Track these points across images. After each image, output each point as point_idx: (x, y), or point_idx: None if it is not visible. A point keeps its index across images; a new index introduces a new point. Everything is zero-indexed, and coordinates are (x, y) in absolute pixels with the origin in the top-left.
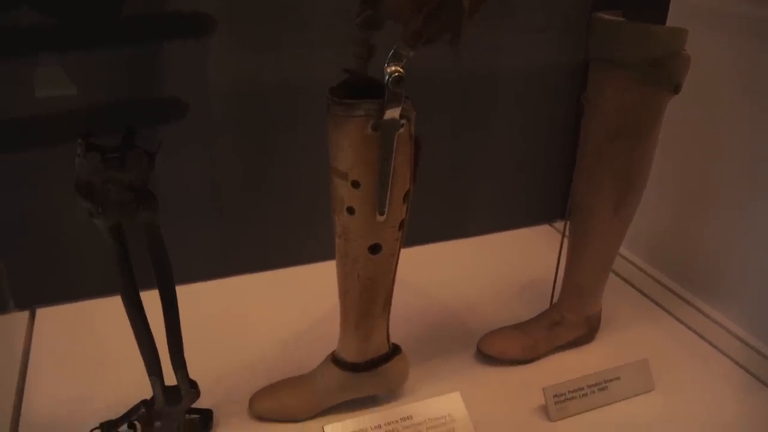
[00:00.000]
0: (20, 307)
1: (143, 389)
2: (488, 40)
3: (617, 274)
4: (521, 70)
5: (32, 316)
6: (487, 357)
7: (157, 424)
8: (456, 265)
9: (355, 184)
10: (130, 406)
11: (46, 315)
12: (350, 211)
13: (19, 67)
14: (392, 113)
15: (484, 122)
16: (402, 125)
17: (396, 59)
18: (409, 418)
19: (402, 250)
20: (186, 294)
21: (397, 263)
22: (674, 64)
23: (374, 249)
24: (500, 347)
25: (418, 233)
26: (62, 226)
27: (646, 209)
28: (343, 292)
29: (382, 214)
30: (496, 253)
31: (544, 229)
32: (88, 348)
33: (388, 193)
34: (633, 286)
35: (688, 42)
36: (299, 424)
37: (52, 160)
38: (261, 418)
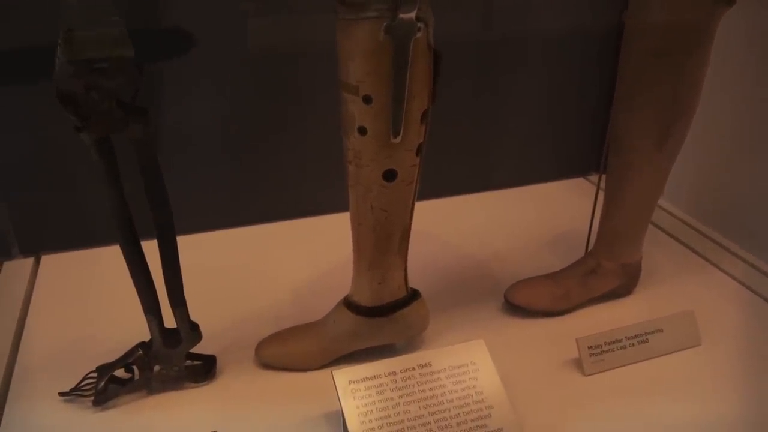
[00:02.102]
0: (25, 253)
1: (146, 336)
2: (518, 17)
3: (658, 226)
4: (555, 20)
5: (37, 263)
6: (514, 307)
7: (157, 368)
8: (485, 216)
9: (367, 99)
10: None
11: (51, 261)
12: (362, 131)
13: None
14: (407, 14)
15: (518, 74)
16: (419, 29)
17: None
18: (428, 365)
19: (431, 201)
20: (195, 243)
21: (415, 194)
22: None
23: (389, 176)
24: (529, 297)
25: (448, 184)
26: (69, 174)
27: (687, 157)
28: (356, 226)
29: (396, 134)
30: (527, 205)
31: (578, 182)
32: (90, 295)
33: (404, 109)
34: (674, 238)
35: None
36: (308, 374)
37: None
38: (268, 365)
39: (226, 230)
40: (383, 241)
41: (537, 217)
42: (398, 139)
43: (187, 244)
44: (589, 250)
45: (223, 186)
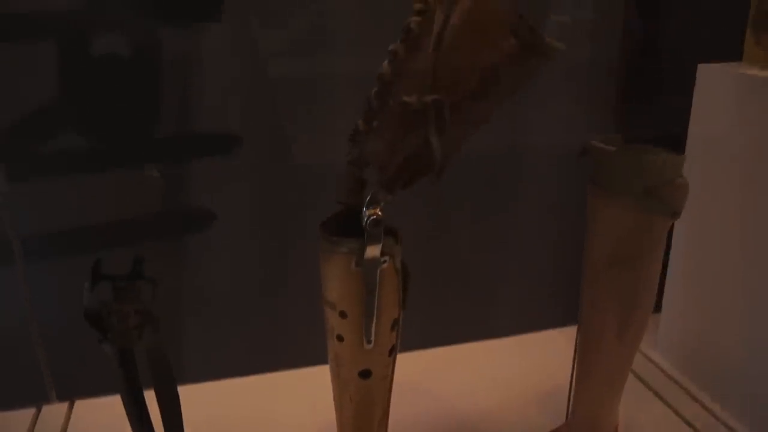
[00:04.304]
0: (62, 398)
1: None
2: (513, 134)
3: (642, 380)
4: (549, 167)
5: (71, 408)
6: None
7: None
8: (473, 368)
9: (343, 315)
10: None
11: (83, 407)
12: (339, 338)
13: (68, 182)
14: (373, 252)
15: (505, 217)
16: (384, 261)
17: (374, 203)
18: None
19: (418, 352)
20: (195, 393)
21: (391, 385)
22: (670, 192)
23: (365, 374)
24: None
25: (439, 333)
26: None
27: (682, 306)
28: (339, 410)
29: (369, 342)
30: (521, 355)
31: (573, 330)
32: None
33: (374, 323)
34: (661, 397)
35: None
36: None
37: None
38: None
39: (229, 380)
40: (363, 427)
41: (527, 369)
42: (371, 346)
43: (189, 394)
44: (568, 416)
45: (225, 336)
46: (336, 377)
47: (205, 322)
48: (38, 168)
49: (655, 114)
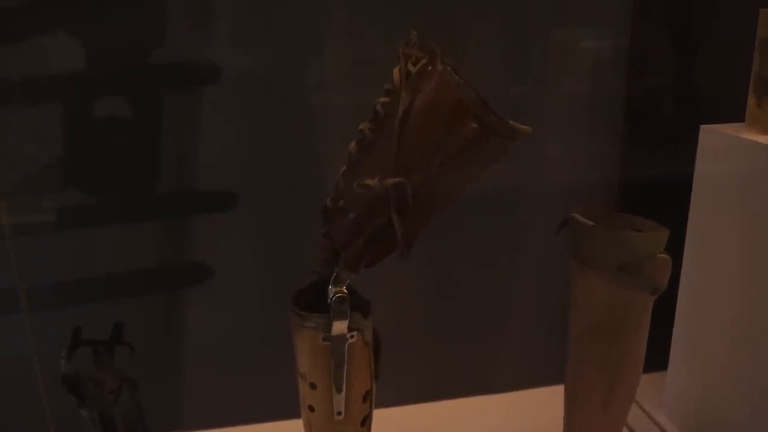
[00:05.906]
0: None
1: None
2: (515, 176)
3: None
4: (546, 208)
5: None
6: None
7: None
8: (467, 424)
9: (313, 386)
10: None
11: None
12: (311, 408)
13: (71, 236)
14: (339, 328)
15: (503, 267)
16: (352, 336)
17: (338, 282)
18: None
19: (410, 407)
20: None
21: None
22: (650, 268)
23: None
24: None
25: (428, 390)
26: None
27: (689, 367)
28: None
29: (339, 414)
30: (513, 412)
31: None
32: None
33: (344, 395)
34: None
35: None
36: None
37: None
38: None
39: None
40: None
41: (523, 427)
42: (341, 417)
43: None
44: None
45: (224, 385)
46: None
47: (204, 372)
48: (44, 222)
49: (662, 155)
